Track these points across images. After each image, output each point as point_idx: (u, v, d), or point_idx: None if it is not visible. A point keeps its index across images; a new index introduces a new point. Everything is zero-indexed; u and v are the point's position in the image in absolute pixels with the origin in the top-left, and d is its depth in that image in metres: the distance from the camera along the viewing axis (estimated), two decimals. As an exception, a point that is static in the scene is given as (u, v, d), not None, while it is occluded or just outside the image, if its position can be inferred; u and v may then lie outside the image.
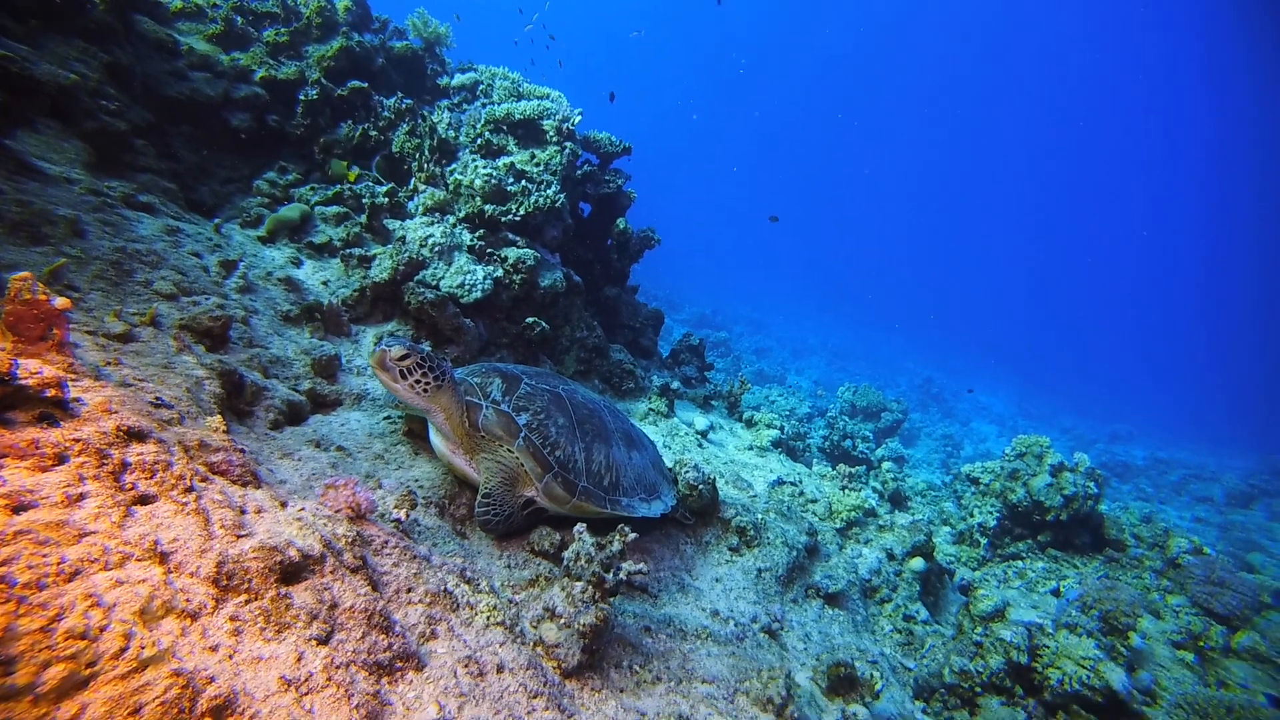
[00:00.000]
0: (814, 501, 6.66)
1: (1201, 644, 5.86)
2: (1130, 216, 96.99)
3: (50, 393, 1.89)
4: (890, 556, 6.10)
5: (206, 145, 6.52)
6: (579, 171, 8.10)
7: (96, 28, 5.50)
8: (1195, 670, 5.58)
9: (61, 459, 1.79)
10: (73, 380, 2.19)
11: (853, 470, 8.08)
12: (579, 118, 7.72)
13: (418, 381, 3.72)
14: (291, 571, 2.02)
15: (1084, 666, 4.50)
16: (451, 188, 6.59)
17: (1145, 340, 67.28)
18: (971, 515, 8.44)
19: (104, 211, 4.40)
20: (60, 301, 2.18)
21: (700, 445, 7.09)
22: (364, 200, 6.56)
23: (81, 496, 1.72)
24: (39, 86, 4.64)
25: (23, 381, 1.82)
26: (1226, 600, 6.37)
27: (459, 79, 8.28)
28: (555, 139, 7.33)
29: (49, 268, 3.43)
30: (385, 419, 4.52)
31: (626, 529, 3.19)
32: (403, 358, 3.69)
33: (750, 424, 8.45)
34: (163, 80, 6.12)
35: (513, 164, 6.99)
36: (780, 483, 6.69)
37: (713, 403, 8.77)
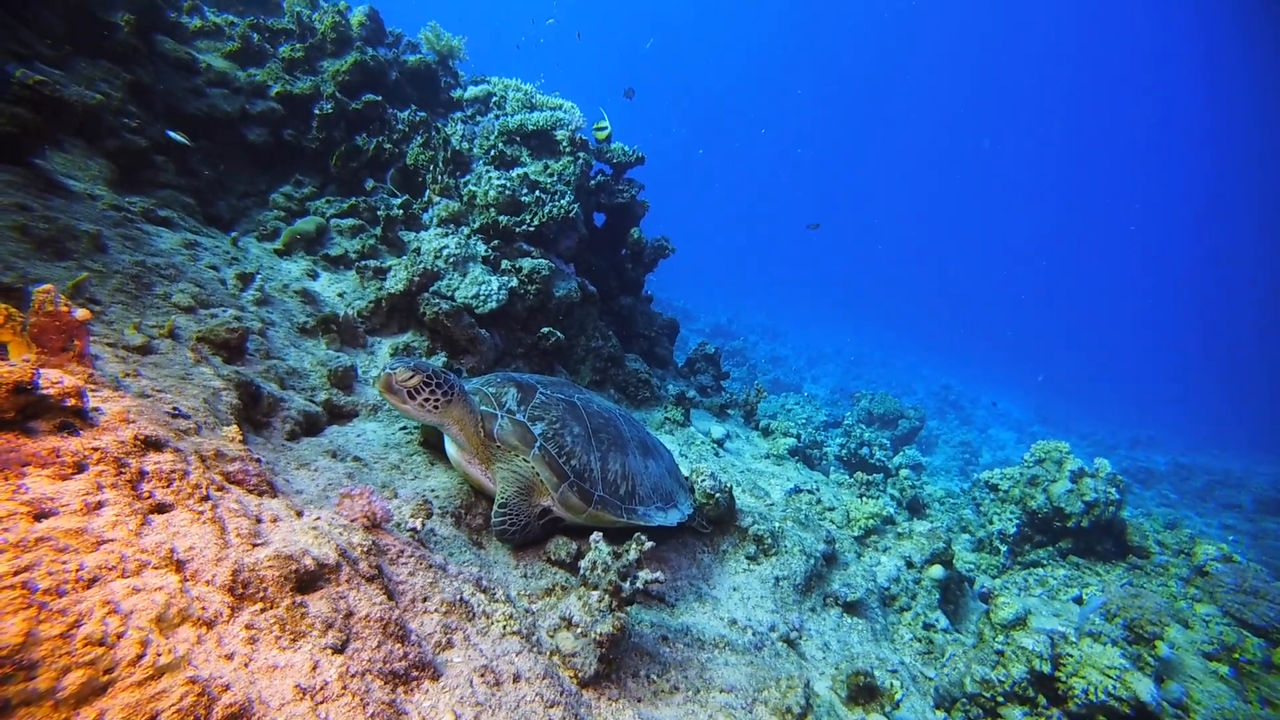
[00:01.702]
0: (831, 509, 6.61)
1: (1237, 656, 5.70)
2: (1148, 220, 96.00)
3: (70, 402, 1.91)
4: (909, 564, 6.02)
5: (224, 160, 6.62)
6: (592, 181, 8.13)
7: (121, 49, 5.63)
8: (1232, 684, 5.42)
9: (81, 467, 1.81)
10: (92, 390, 2.22)
11: (870, 478, 8.01)
12: (606, 133, 7.79)
13: (427, 400, 3.72)
14: (307, 580, 2.02)
15: (1109, 676, 4.41)
16: (466, 199, 6.64)
17: (1165, 345, 66.32)
18: (991, 522, 8.33)
19: (125, 226, 4.47)
20: (81, 313, 2.21)
21: (717, 454, 7.06)
22: (379, 212, 6.62)
23: (100, 504, 1.74)
24: (68, 108, 4.75)
25: (44, 391, 1.85)
26: (1262, 611, 6.20)
27: (472, 91, 8.36)
28: (568, 149, 7.37)
29: (72, 282, 3.49)
30: (401, 429, 4.55)
31: (643, 538, 3.17)
32: (408, 378, 3.68)
33: (767, 432, 8.42)
34: (182, 97, 6.23)
35: (526, 175, 7.03)
36: (797, 491, 6.64)
37: (729, 411, 8.74)
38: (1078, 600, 6.80)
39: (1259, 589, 6.35)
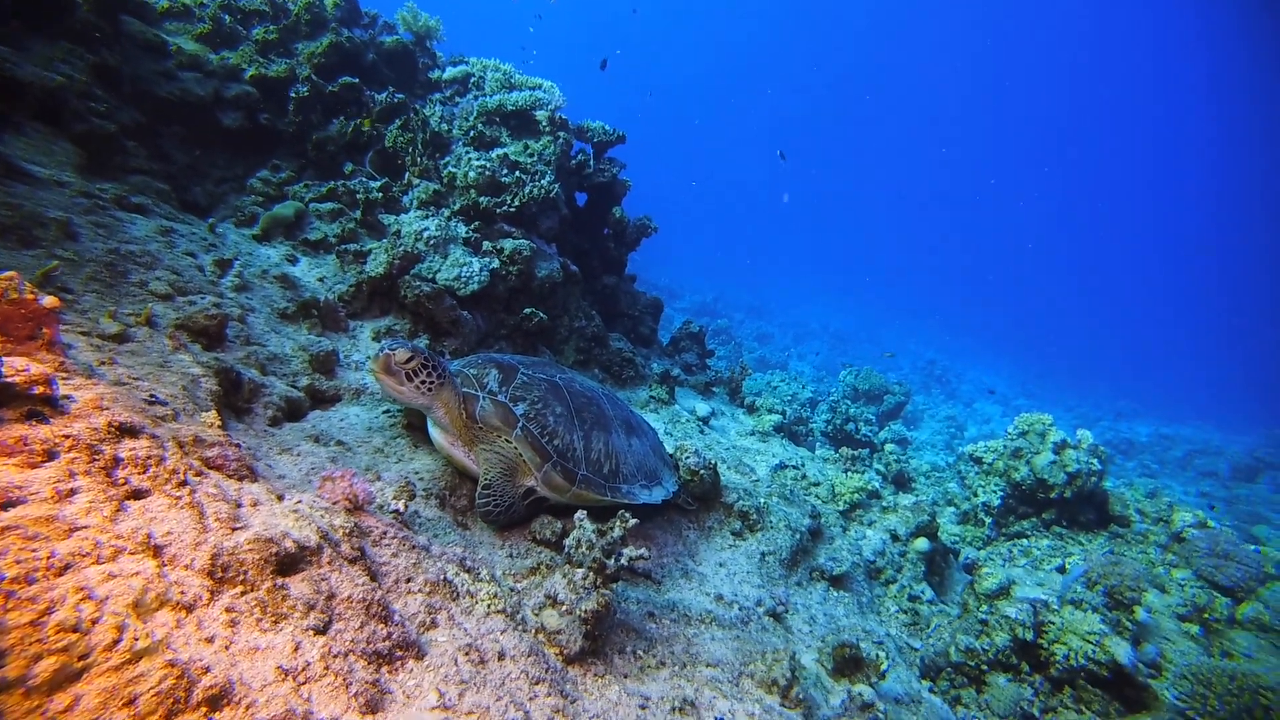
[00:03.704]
0: (817, 485, 6.66)
1: (1206, 616, 5.86)
2: (1129, 194, 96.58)
3: (38, 390, 1.88)
4: (894, 537, 6.09)
5: (199, 145, 6.50)
6: (573, 161, 8.06)
7: (82, 29, 5.46)
8: (1200, 642, 5.58)
9: (51, 455, 1.78)
10: (63, 378, 2.19)
11: (855, 453, 8.07)
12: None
13: (423, 382, 3.72)
14: (288, 563, 2.01)
15: (1089, 641, 4.50)
16: (445, 181, 6.57)
17: (1147, 318, 67.04)
18: (975, 495, 8.42)
19: (96, 213, 4.39)
20: (48, 300, 2.17)
21: (702, 431, 7.08)
22: (358, 196, 6.54)
23: (72, 492, 1.72)
24: (23, 89, 4.62)
25: (9, 379, 1.82)
26: (1231, 572, 6.36)
27: (450, 72, 8.24)
28: (548, 129, 7.30)
29: (42, 270, 3.43)
30: (384, 413, 4.52)
31: (627, 515, 3.18)
32: (408, 360, 3.67)
33: (752, 409, 8.45)
34: (152, 81, 6.10)
35: (506, 155, 6.96)
36: (783, 467, 6.69)
37: (714, 389, 8.76)
38: (1060, 569, 6.92)
39: (1229, 552, 6.50)
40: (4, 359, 1.84)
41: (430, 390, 3.75)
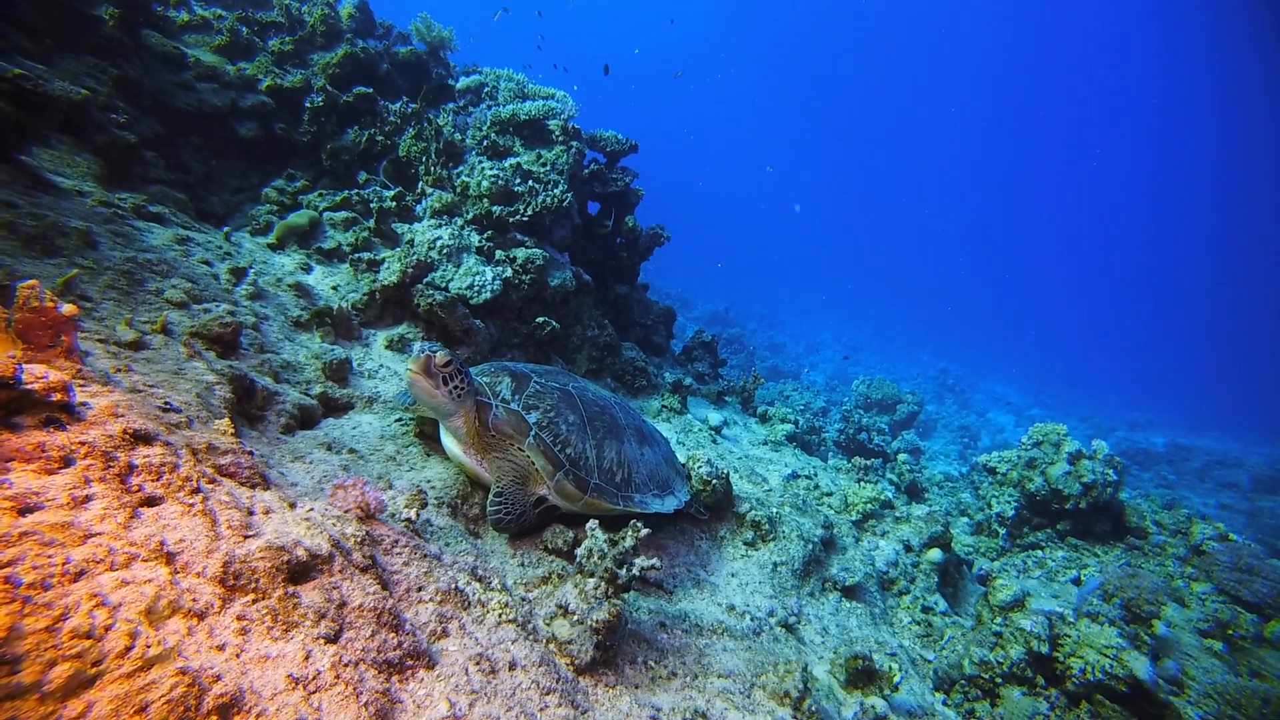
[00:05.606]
0: (829, 495, 6.61)
1: (1231, 632, 5.73)
2: (1145, 203, 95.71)
3: (56, 397, 1.90)
4: (907, 548, 6.03)
5: (215, 155, 6.59)
6: (586, 170, 8.09)
7: (106, 44, 5.58)
8: (1225, 660, 5.46)
9: (67, 462, 1.80)
10: (80, 385, 2.21)
11: (868, 463, 8.00)
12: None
13: (456, 388, 3.70)
14: (299, 571, 2.02)
15: (1107, 655, 4.43)
16: (459, 190, 6.61)
17: (1164, 327, 66.33)
18: (989, 505, 8.34)
19: (115, 223, 4.45)
20: (67, 308, 2.19)
21: (714, 441, 7.06)
22: (372, 205, 6.59)
23: (87, 498, 1.73)
24: (52, 103, 4.70)
25: (28, 386, 1.84)
26: (1256, 588, 6.23)
27: (464, 82, 8.31)
28: (561, 138, 7.33)
29: (62, 278, 3.47)
30: (397, 421, 4.54)
31: (639, 525, 3.17)
32: (446, 364, 3.64)
33: (764, 419, 8.41)
34: (171, 92, 6.19)
35: (519, 165, 7.00)
36: (795, 476, 6.64)
37: (726, 398, 8.73)
38: (1076, 581, 6.82)
39: (1254, 566, 6.37)
40: (24, 366, 1.86)
41: (460, 396, 3.74)
